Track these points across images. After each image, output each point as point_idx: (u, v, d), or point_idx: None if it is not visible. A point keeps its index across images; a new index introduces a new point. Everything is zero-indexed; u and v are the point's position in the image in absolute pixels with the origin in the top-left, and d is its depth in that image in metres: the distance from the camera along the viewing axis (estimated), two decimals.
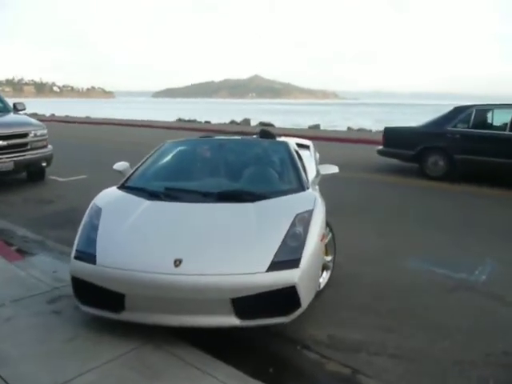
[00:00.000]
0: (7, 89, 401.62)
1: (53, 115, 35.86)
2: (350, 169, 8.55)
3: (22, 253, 4.47)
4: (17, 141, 7.24)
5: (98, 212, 3.32)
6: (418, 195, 7.31)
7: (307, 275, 2.84)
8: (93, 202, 3.54)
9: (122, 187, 3.81)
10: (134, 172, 4.05)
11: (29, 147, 7.43)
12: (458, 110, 8.47)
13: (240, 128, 19.15)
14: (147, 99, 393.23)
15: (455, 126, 8.20)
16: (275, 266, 2.76)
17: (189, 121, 28.15)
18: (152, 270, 2.76)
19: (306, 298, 2.85)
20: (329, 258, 3.63)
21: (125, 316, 2.84)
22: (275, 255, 2.81)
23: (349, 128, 23.09)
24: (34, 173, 7.93)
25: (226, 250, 2.90)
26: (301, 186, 3.66)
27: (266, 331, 3.01)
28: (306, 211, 3.16)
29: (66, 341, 2.83)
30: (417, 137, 8.74)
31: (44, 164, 7.75)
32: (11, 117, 7.99)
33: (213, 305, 2.73)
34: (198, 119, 29.15)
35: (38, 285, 3.66)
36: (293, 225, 3.02)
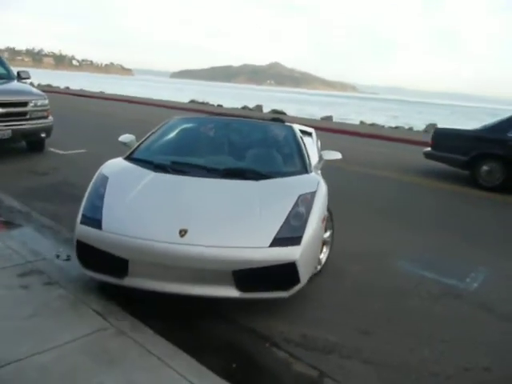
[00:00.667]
0: (26, 59, 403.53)
1: (67, 88, 35.88)
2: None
3: (5, 224, 4.37)
4: (16, 109, 7.12)
5: (104, 180, 3.39)
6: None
7: (307, 253, 2.95)
8: (99, 170, 3.59)
9: (128, 158, 3.89)
10: (140, 144, 4.13)
11: (28, 116, 7.31)
12: None
13: (250, 113, 18.92)
14: (165, 79, 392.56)
15: None
16: (277, 242, 2.86)
17: (202, 103, 27.92)
18: (157, 239, 2.83)
19: (305, 274, 2.95)
20: (327, 234, 3.69)
21: (127, 281, 2.91)
22: (278, 232, 2.91)
23: (361, 122, 22.72)
24: (33, 143, 7.83)
25: (231, 224, 2.98)
26: (304, 169, 3.78)
27: (238, 326, 2.88)
28: (309, 193, 3.28)
29: (27, 317, 2.71)
30: (472, 141, 7.85)
31: (43, 135, 7.63)
32: (13, 85, 7.87)
33: (214, 276, 2.81)
34: (211, 102, 28.92)
35: (12, 257, 3.54)
36: (296, 205, 3.12)
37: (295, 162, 3.95)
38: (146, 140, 4.21)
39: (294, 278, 2.89)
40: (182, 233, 2.86)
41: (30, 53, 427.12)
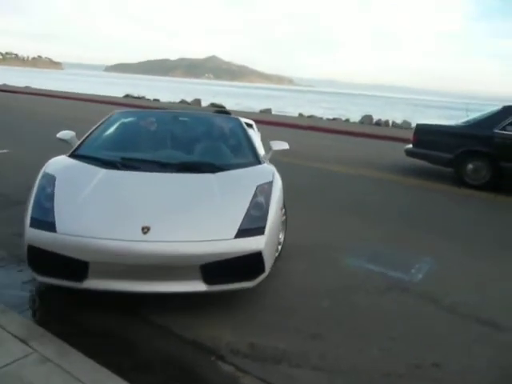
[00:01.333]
0: None
1: None
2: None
3: None
4: None
5: (50, 180, 3.19)
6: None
7: (270, 242, 3.01)
8: (43, 169, 3.37)
9: (73, 156, 3.70)
10: (83, 140, 3.94)
11: None
12: (510, 111, 7.25)
13: (188, 108, 18.47)
14: (98, 73, 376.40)
15: (504, 129, 7.04)
16: (242, 233, 2.88)
17: (137, 97, 26.92)
18: (119, 237, 2.74)
19: (269, 263, 3.00)
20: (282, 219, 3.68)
21: (88, 284, 2.76)
22: (241, 223, 2.93)
23: (300, 114, 22.99)
24: None
25: (193, 218, 2.96)
26: (257, 160, 3.85)
27: (179, 338, 2.65)
28: (266, 183, 3.34)
29: None
30: (456, 138, 7.49)
31: None
32: None
33: (181, 271, 2.79)
34: (148, 96, 27.99)
35: None
36: (255, 195, 3.16)
37: (247, 154, 3.99)
38: (89, 136, 4.01)
39: (259, 268, 2.94)
40: (145, 230, 2.78)
41: None
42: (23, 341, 2.44)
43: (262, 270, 2.95)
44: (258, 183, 3.29)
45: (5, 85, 31.96)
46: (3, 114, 13.93)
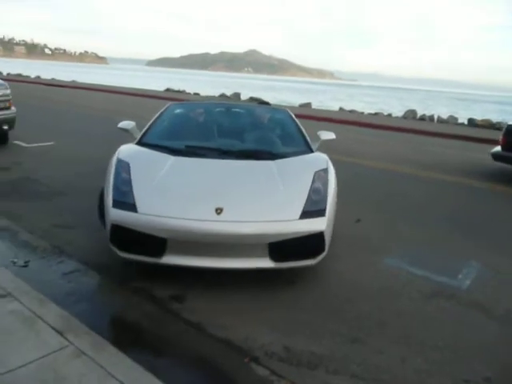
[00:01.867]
0: None
1: (38, 77, 34.62)
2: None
3: None
4: None
5: (125, 166, 3.44)
6: None
7: (330, 223, 3.23)
8: (115, 157, 3.61)
9: (140, 144, 4.00)
10: (147, 130, 4.25)
11: None
12: None
13: (227, 101, 18.48)
14: (141, 67, 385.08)
15: None
16: (305, 214, 3.12)
17: (178, 91, 27.25)
18: (195, 217, 2.99)
19: (327, 243, 3.20)
20: None
21: (165, 260, 3.01)
22: (304, 206, 3.17)
23: (340, 108, 22.53)
24: None
25: (260, 201, 3.22)
26: (309, 149, 4.14)
27: (211, 337, 2.59)
28: (322, 169, 3.60)
29: None
30: None
31: (5, 127, 7.12)
32: None
33: (251, 249, 3.02)
34: (188, 90, 28.27)
35: None
36: (313, 181, 3.39)
37: (299, 143, 4.26)
38: (151, 126, 4.34)
39: (320, 247, 3.15)
40: (218, 211, 3.03)
41: (0, 41, 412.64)
42: (60, 332, 2.45)
43: (323, 249, 3.17)
44: (315, 170, 3.54)
45: (53, 79, 33.21)
46: (50, 107, 14.42)
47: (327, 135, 4.78)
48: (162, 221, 2.97)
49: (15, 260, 3.31)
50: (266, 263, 3.04)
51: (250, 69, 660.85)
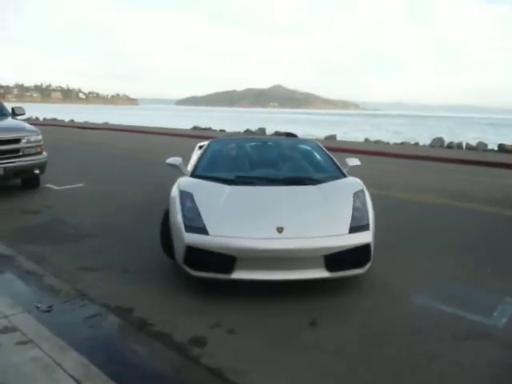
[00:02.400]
0: (35, 94, 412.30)
1: (72, 121, 36.20)
2: None
3: None
4: (8, 146, 6.90)
5: (189, 195, 3.86)
6: None
7: (373, 236, 3.64)
8: (177, 189, 4.05)
9: (195, 176, 4.46)
10: (197, 164, 4.78)
11: (21, 153, 7.08)
12: None
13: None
14: (170, 107, 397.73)
15: None
16: (353, 229, 3.57)
17: (204, 129, 27.86)
18: (260, 237, 3.41)
19: (372, 254, 3.60)
20: None
21: (235, 275, 3.41)
22: (351, 222, 3.61)
23: (366, 139, 22.43)
24: (27, 180, 7.60)
25: (313, 219, 3.66)
26: (342, 174, 4.63)
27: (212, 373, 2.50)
28: (359, 190, 4.08)
29: None
30: None
31: (37, 171, 7.39)
32: (6, 122, 7.69)
33: (309, 262, 3.43)
34: (214, 127, 28.86)
35: None
36: (354, 200, 3.87)
37: (333, 169, 4.77)
38: (200, 160, 4.86)
39: (368, 257, 3.58)
40: (280, 230, 3.46)
41: (38, 88, 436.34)
42: (78, 382, 2.43)
43: (370, 258, 3.58)
44: (354, 191, 4.03)
45: (86, 122, 34.68)
46: (81, 149, 14.95)
47: (353, 162, 5.21)
48: (232, 241, 3.38)
49: (39, 305, 3.34)
50: (323, 273, 3.45)
51: (275, 103, 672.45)
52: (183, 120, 56.51)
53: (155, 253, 4.61)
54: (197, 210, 3.69)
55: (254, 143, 5.59)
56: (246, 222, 3.61)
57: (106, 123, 33.41)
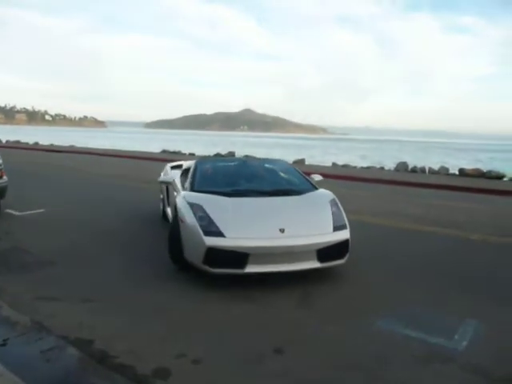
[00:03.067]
0: None
1: (36, 143, 35.33)
2: None
3: None
4: None
5: (199, 207, 4.56)
6: None
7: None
8: (185, 201, 4.73)
9: (194, 191, 5.14)
10: (193, 181, 5.45)
11: None
12: None
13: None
14: (139, 129, 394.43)
15: None
16: (335, 228, 4.55)
17: (173, 152, 27.77)
18: (267, 236, 4.25)
19: (350, 247, 4.63)
20: None
21: (247, 269, 4.16)
22: (333, 223, 4.59)
23: (333, 163, 22.89)
24: None
25: (305, 222, 4.53)
26: (314, 187, 5.56)
27: None
28: (332, 199, 5.08)
29: None
30: None
31: None
32: None
33: (304, 255, 4.30)
34: (183, 151, 28.82)
35: None
36: (331, 207, 4.87)
37: (306, 183, 5.70)
38: (194, 177, 5.52)
39: (346, 250, 4.60)
40: (282, 230, 4.31)
41: (1, 110, 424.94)
42: None
43: (348, 251, 4.60)
44: (329, 199, 5.04)
45: (52, 145, 33.90)
46: (45, 173, 14.59)
47: (317, 177, 6.30)
48: (245, 241, 4.16)
49: None
50: (315, 264, 4.34)
51: (245, 127, 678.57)
52: (152, 143, 56.16)
53: (119, 280, 4.52)
54: (209, 217, 4.37)
55: (233, 163, 6.40)
56: (254, 225, 4.39)
57: (72, 146, 32.79)
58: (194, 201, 4.70)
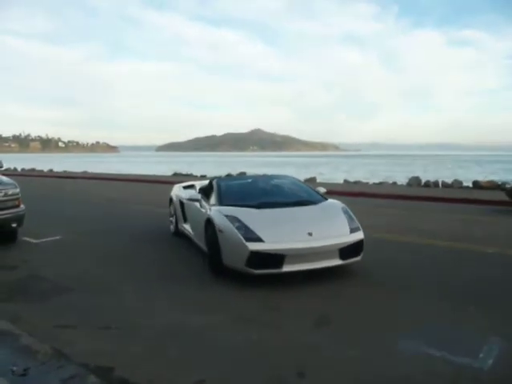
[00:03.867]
0: (13, 144, 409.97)
1: (51, 170, 35.97)
2: None
3: None
4: None
5: (234, 218, 5.20)
6: None
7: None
8: (221, 214, 5.37)
9: (224, 205, 5.74)
10: (220, 197, 6.04)
11: None
12: None
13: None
14: (151, 153, 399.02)
15: None
16: (352, 230, 5.30)
17: (185, 175, 27.99)
18: (299, 240, 4.94)
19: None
20: None
21: (284, 269, 4.84)
22: (348, 226, 5.35)
23: (345, 180, 22.81)
24: (3, 234, 7.41)
25: (327, 226, 5.29)
26: (324, 198, 6.28)
27: None
28: (343, 207, 5.89)
29: None
30: None
31: (14, 225, 7.24)
32: None
33: (329, 254, 5.00)
34: (195, 173, 29.02)
35: None
36: (344, 212, 5.66)
37: (316, 195, 6.41)
38: (220, 194, 6.10)
39: (361, 248, 5.33)
40: (310, 234, 5.01)
41: (16, 139, 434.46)
42: None
43: (362, 249, 5.34)
44: (340, 207, 5.84)
45: (65, 171, 34.47)
46: (60, 199, 14.78)
47: (321, 190, 6.82)
48: (281, 244, 4.84)
49: (14, 368, 3.17)
50: (338, 262, 5.07)
51: (255, 147, 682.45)
52: (164, 166, 56.70)
53: (137, 306, 4.51)
54: (246, 226, 5.02)
55: (249, 180, 7.04)
56: (285, 231, 5.03)
57: (85, 172, 33.27)
58: (230, 213, 5.32)
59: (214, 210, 5.61)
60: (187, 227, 7.31)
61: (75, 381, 3.03)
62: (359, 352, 3.42)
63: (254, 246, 4.81)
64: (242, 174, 24.71)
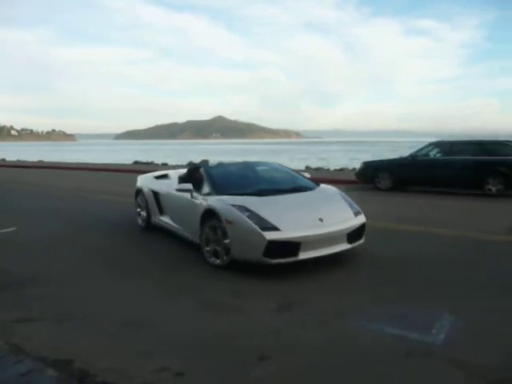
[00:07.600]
0: None
1: (3, 160, 34.39)
2: None
3: None
4: None
5: (242, 207, 4.95)
6: None
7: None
8: (227, 204, 5.07)
9: (224, 194, 5.40)
10: (214, 185, 5.67)
11: None
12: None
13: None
14: (109, 141, 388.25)
15: None
16: (355, 214, 5.38)
17: (146, 163, 27.48)
18: (312, 226, 4.87)
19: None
20: None
21: (300, 256, 4.75)
22: (351, 210, 5.42)
23: (307, 167, 23.14)
24: None
25: (334, 211, 5.29)
26: (316, 184, 6.21)
27: None
28: (339, 192, 5.92)
29: None
30: None
31: None
32: None
33: (339, 239, 5.04)
34: (156, 161, 28.56)
35: None
36: (342, 197, 5.71)
37: (308, 181, 6.35)
38: (212, 182, 5.75)
39: (364, 231, 5.44)
40: (321, 220, 4.97)
41: None
42: None
43: (364, 232, 5.43)
44: (338, 192, 5.90)
45: (18, 160, 33.03)
46: (12, 189, 14.19)
47: (307, 175, 6.80)
48: (297, 232, 4.73)
49: None
50: (347, 246, 5.13)
51: (217, 134, 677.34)
52: (123, 154, 55.37)
53: (97, 298, 4.43)
54: (258, 215, 4.81)
55: (237, 167, 6.67)
56: (297, 218, 4.91)
57: (40, 161, 32.01)
58: (237, 202, 5.05)
59: (215, 200, 5.27)
60: (166, 220, 6.76)
61: (34, 375, 2.96)
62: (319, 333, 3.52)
63: (270, 236, 4.63)
64: (205, 162, 24.51)
